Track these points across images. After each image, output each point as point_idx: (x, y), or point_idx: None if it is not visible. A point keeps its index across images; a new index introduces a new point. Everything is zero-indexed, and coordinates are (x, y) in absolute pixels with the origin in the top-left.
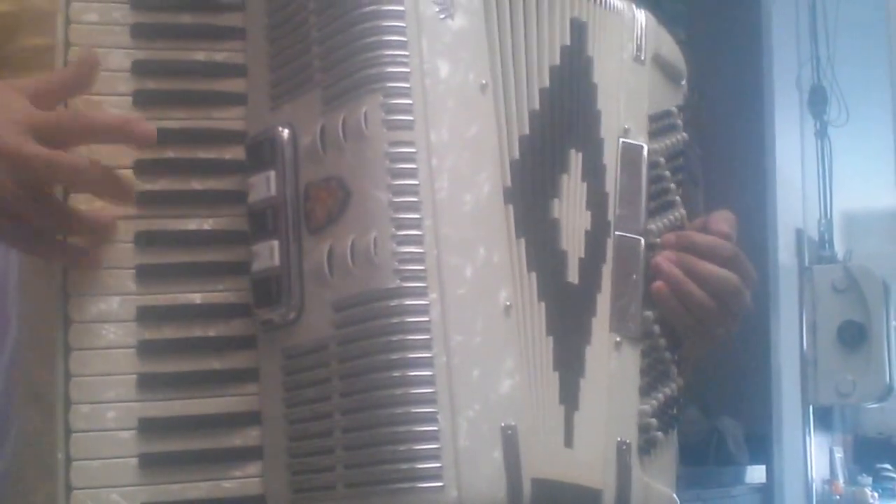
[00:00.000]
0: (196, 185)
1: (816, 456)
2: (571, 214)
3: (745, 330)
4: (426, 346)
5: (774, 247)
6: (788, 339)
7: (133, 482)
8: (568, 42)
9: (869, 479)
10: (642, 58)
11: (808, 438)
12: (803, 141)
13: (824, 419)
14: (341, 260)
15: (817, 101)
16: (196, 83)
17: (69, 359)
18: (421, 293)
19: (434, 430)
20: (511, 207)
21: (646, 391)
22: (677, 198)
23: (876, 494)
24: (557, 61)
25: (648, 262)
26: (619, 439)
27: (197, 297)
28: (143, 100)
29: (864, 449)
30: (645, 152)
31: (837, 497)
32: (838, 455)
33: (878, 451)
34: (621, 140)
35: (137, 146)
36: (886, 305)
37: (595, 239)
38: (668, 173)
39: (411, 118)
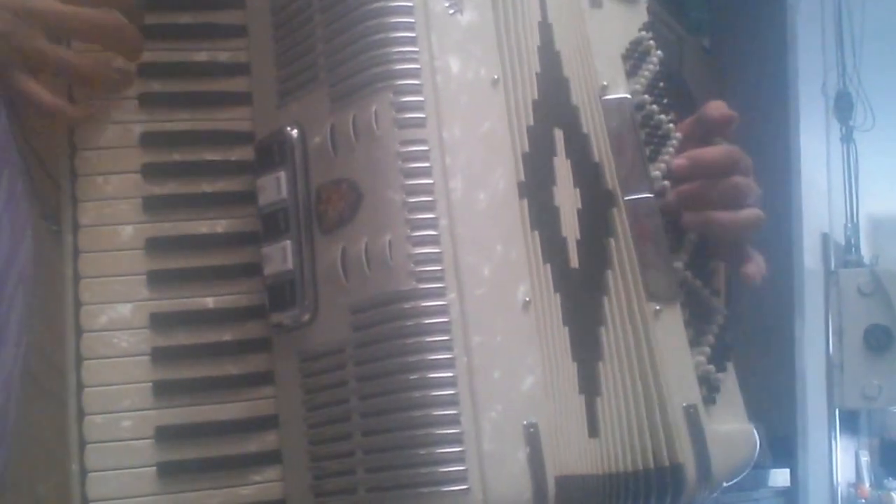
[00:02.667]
0: (206, 187)
1: (842, 459)
2: (565, 197)
3: (771, 333)
4: (446, 347)
5: (800, 251)
6: (814, 342)
7: (150, 492)
8: (540, 18)
9: (895, 483)
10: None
11: (833, 442)
12: (829, 146)
13: (850, 423)
14: (356, 262)
15: (843, 107)
16: (200, 84)
17: (81, 369)
18: (439, 294)
19: (457, 433)
20: (526, 201)
21: (696, 340)
22: (671, 125)
23: None
24: (539, 41)
25: (664, 212)
26: (684, 405)
27: (210, 301)
28: (148, 102)
29: (890, 453)
30: (629, 102)
31: (863, 501)
32: (864, 459)
33: None
34: (602, 99)
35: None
36: None
37: (590, 215)
38: (655, 107)
39: (423, 116)
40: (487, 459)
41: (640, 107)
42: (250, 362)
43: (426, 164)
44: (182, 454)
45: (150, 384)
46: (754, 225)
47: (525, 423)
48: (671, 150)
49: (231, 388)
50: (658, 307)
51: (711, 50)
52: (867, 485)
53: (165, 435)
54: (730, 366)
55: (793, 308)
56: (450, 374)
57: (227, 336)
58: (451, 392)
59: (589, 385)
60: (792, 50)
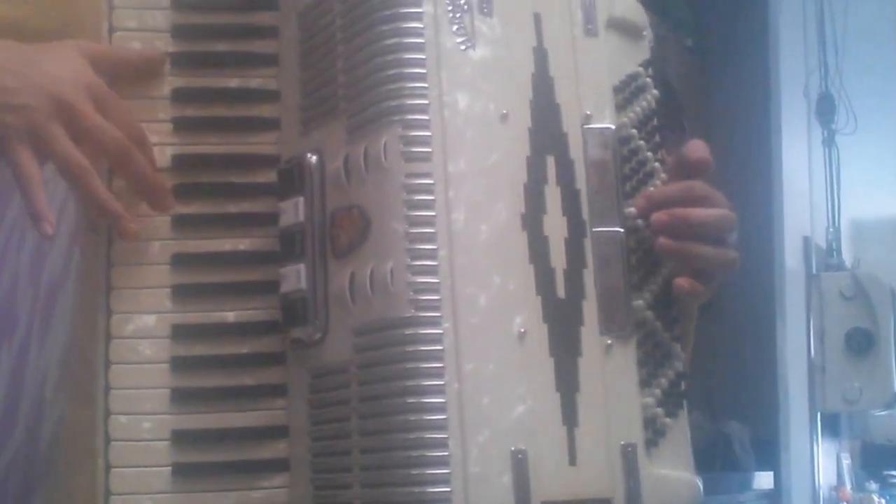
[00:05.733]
0: (231, 207)
1: (824, 462)
2: (553, 226)
3: (753, 336)
4: (438, 374)
5: (782, 254)
6: (796, 345)
7: (166, 490)
8: (535, 43)
9: (876, 486)
10: (594, 28)
11: (815, 445)
12: (811, 149)
13: (832, 425)
14: (361, 287)
15: (825, 110)
16: (231, 109)
17: (109, 372)
18: (435, 322)
19: (444, 455)
20: (526, 233)
21: (647, 381)
22: (657, 164)
23: (883, 501)
24: (533, 68)
25: (631, 248)
26: (622, 443)
27: (230, 315)
28: (182, 126)
29: (871, 455)
30: (612, 133)
31: (845, 503)
32: (846, 461)
33: (886, 458)
34: (584, 127)
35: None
36: (894, 313)
37: (573, 245)
38: (642, 142)
39: (429, 150)
40: (472, 482)
41: (625, 140)
42: (265, 374)
43: (430, 197)
44: (196, 457)
45: (169, 390)
46: (730, 265)
47: (513, 449)
48: (653, 188)
49: (246, 398)
50: (609, 341)
51: (694, 50)
52: (848, 487)
53: (182, 438)
54: (682, 413)
55: (774, 311)
56: (440, 400)
57: (244, 349)
58: (441, 417)
59: (569, 416)
60: (774, 52)
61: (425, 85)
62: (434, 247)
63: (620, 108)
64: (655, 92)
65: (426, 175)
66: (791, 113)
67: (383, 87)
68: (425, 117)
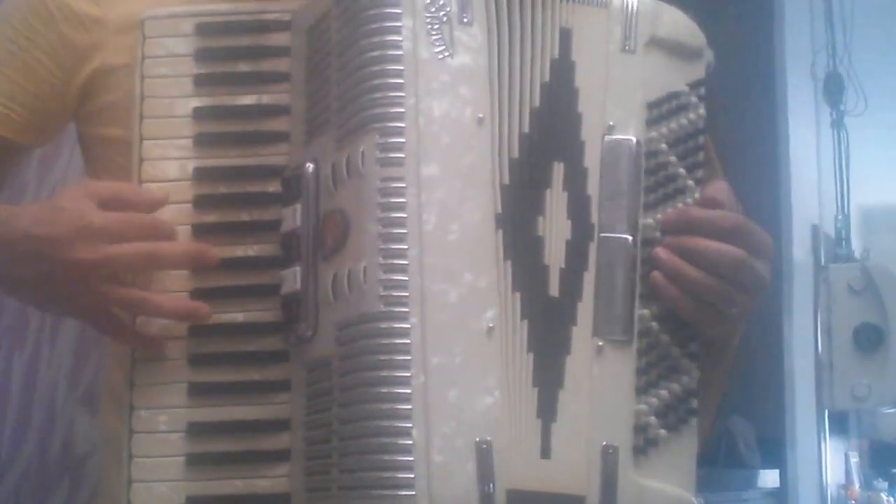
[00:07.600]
0: (244, 216)
1: (832, 460)
2: (553, 227)
3: (758, 330)
4: (405, 366)
5: (789, 244)
6: (802, 340)
7: (180, 478)
8: (557, 55)
9: (885, 485)
10: (632, 46)
11: (822, 443)
12: (819, 132)
13: (840, 423)
14: (341, 285)
15: (833, 90)
16: (247, 124)
17: (133, 369)
18: (403, 318)
19: (408, 444)
20: (501, 232)
21: (644, 390)
22: (690, 182)
23: (892, 499)
24: (547, 77)
25: (644, 259)
26: (603, 443)
27: (240, 316)
28: (202, 142)
29: (880, 454)
30: (633, 145)
31: (853, 502)
32: (854, 460)
33: (895, 456)
34: (606, 138)
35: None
36: None
37: (576, 247)
38: (673, 158)
39: (402, 156)
40: (436, 470)
41: (653, 154)
42: (271, 371)
43: (402, 200)
44: (207, 447)
45: (187, 385)
46: (736, 261)
47: (478, 439)
48: (681, 206)
49: (254, 393)
50: (601, 343)
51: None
52: (856, 486)
53: (195, 430)
54: (687, 430)
55: (781, 304)
56: (406, 391)
57: (252, 347)
58: (407, 407)
59: (546, 411)
60: (779, 29)
61: (402, 94)
62: (405, 247)
63: (653, 122)
64: (702, 112)
65: (399, 179)
66: (797, 94)
67: (363, 97)
68: (401, 125)
